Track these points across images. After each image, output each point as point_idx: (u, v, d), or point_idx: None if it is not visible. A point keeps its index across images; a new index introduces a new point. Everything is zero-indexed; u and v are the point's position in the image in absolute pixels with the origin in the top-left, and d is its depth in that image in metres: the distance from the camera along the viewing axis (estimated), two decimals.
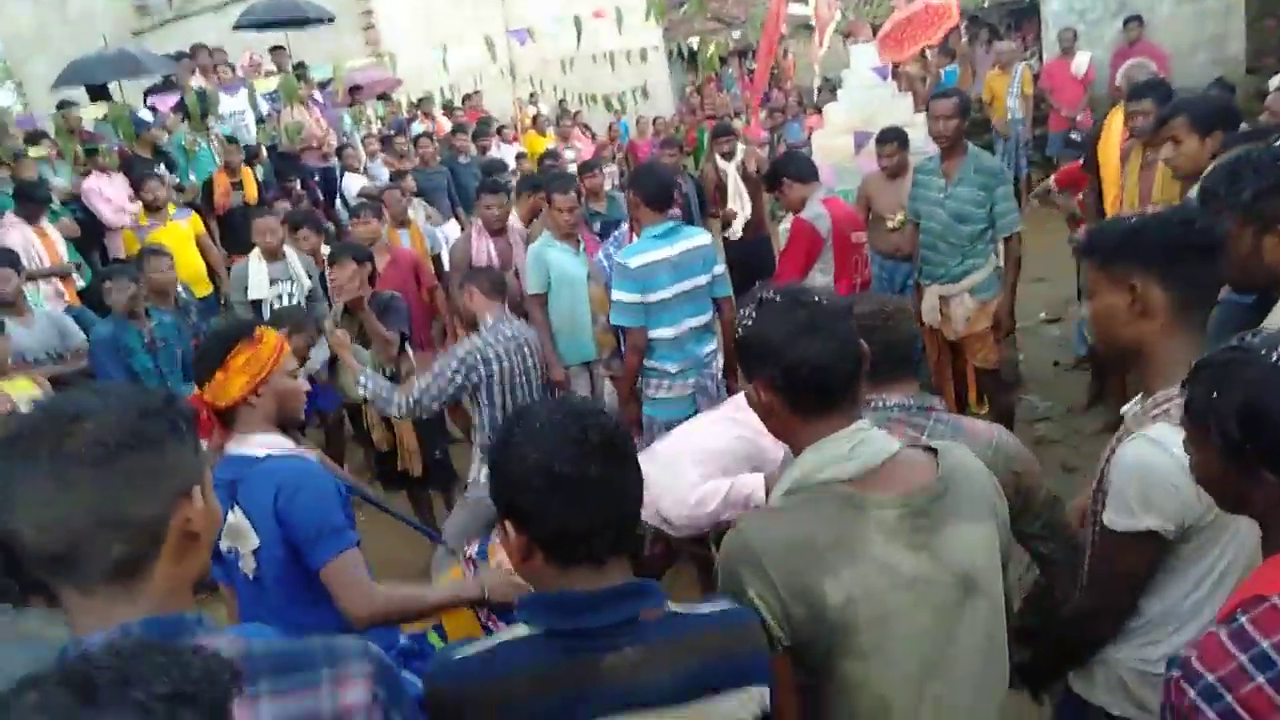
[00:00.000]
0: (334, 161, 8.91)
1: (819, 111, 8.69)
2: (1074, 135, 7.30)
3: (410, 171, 7.72)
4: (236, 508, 1.99)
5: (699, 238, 3.81)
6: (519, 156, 9.49)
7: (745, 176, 6.27)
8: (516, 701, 1.20)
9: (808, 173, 4.46)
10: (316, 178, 8.89)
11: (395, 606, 1.95)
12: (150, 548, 1.05)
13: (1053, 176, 5.46)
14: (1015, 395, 5.35)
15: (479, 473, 3.56)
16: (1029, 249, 6.60)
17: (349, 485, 2.21)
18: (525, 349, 3.55)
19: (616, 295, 3.70)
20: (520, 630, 1.25)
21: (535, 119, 11.36)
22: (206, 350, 2.09)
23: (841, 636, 1.34)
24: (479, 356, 3.40)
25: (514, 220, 5.36)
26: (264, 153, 8.52)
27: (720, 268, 3.90)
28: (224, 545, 2.02)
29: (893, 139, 5.05)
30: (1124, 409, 1.67)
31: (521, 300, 4.69)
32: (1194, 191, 3.32)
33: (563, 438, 1.22)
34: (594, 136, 11.61)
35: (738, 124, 10.09)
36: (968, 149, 4.44)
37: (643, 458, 2.67)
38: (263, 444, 2.06)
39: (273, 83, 8.09)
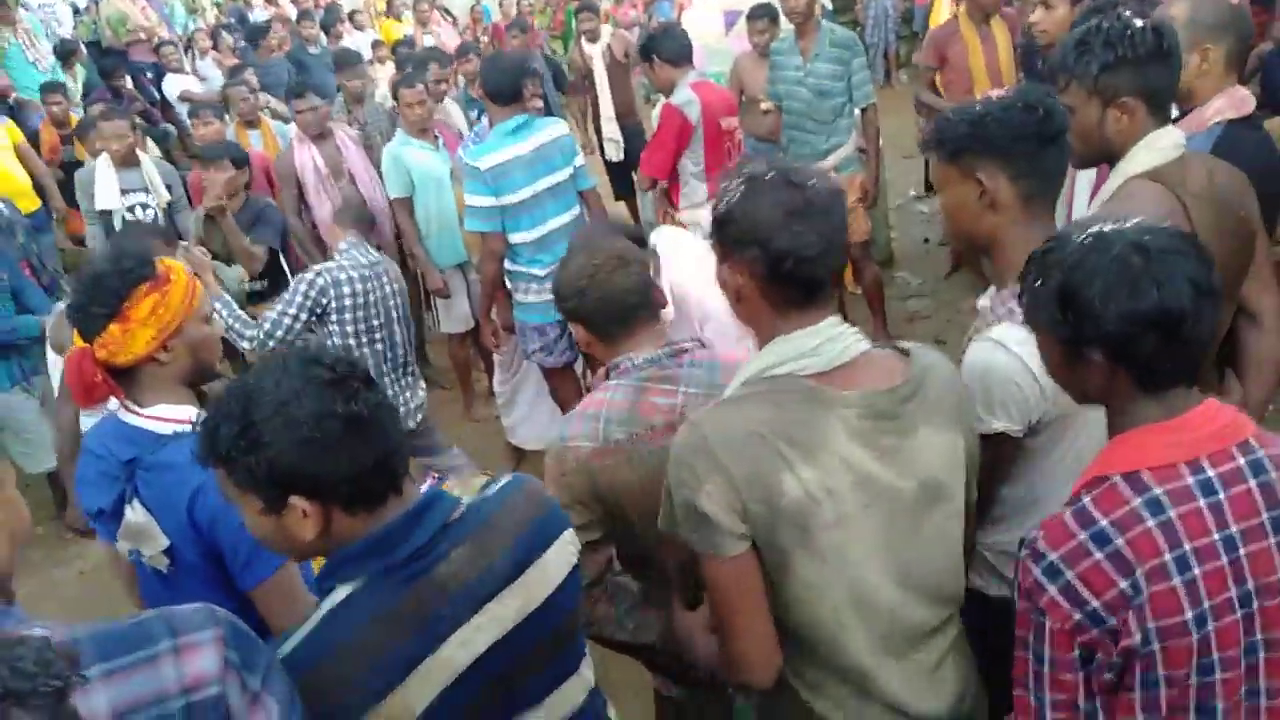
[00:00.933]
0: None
1: None
2: None
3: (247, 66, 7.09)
4: (137, 502, 1.66)
5: (555, 128, 3.63)
6: (375, 45, 8.87)
7: (613, 63, 6.04)
8: (373, 656, 1.14)
9: (678, 55, 4.28)
10: (149, 75, 8.11)
11: None
12: None
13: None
14: (889, 273, 5.47)
15: None
16: (899, 126, 6.67)
17: None
18: (384, 277, 3.33)
19: (469, 199, 3.51)
20: (341, 592, 1.18)
21: (389, 2, 10.59)
22: (93, 294, 1.66)
23: (799, 534, 1.30)
24: (330, 278, 3.18)
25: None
26: (83, 50, 7.68)
27: (582, 158, 3.74)
28: (122, 546, 1.72)
29: (763, 15, 4.95)
30: (978, 301, 1.67)
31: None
32: None
33: (318, 382, 1.13)
34: (455, 21, 10.93)
35: (605, 4, 9.69)
36: (820, 24, 4.49)
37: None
38: (169, 416, 1.69)
39: None
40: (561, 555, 1.31)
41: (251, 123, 5.74)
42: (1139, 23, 1.74)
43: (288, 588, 1.66)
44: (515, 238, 3.54)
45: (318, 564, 1.65)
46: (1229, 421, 1.22)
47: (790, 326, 1.34)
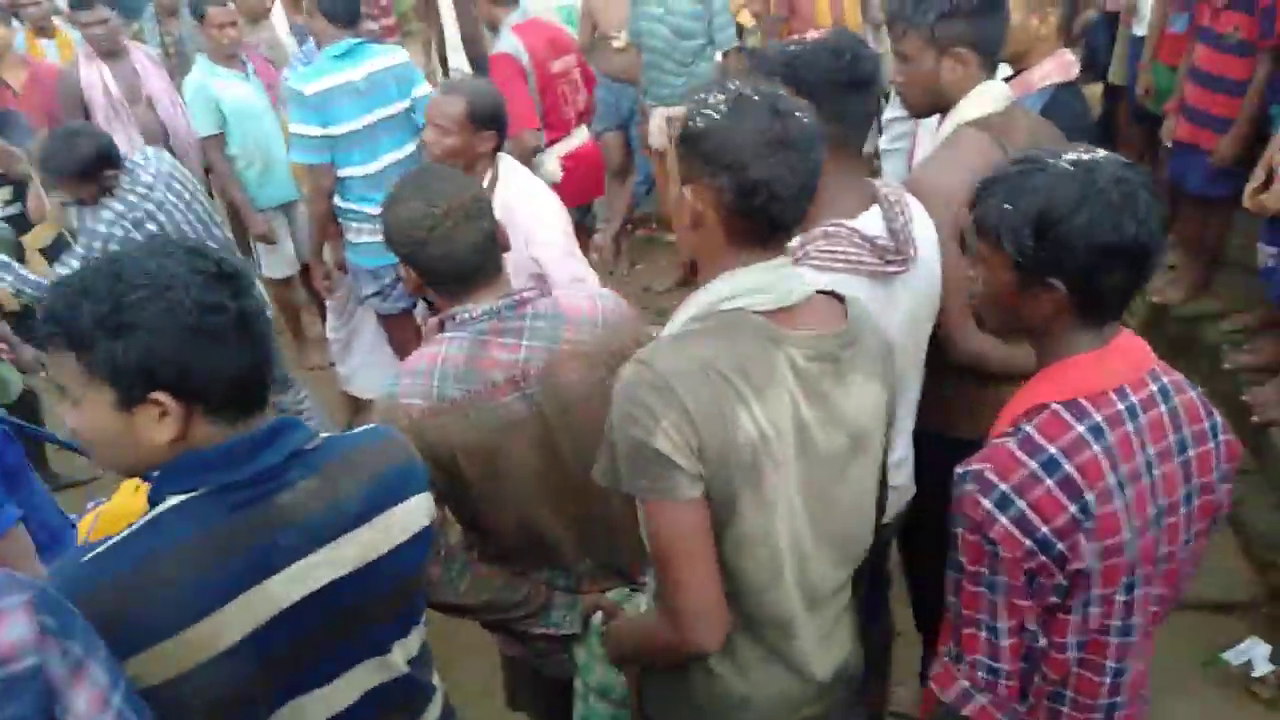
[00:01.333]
0: None
1: None
2: None
3: None
4: None
5: (391, 55, 3.38)
6: None
7: None
8: (188, 575, 1.04)
9: None
10: None
11: None
12: None
13: None
14: None
15: None
16: None
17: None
18: (177, 184, 2.98)
19: (293, 128, 3.25)
20: (171, 501, 1.07)
21: None
22: None
23: (750, 476, 1.24)
24: (127, 224, 2.80)
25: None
26: None
27: (423, 88, 3.48)
28: None
29: None
30: (789, 243, 1.65)
31: (166, 139, 4.04)
32: None
33: (206, 274, 1.05)
34: None
35: None
36: None
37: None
38: None
39: None
40: (414, 513, 1.24)
41: (44, 30, 5.12)
42: None
43: (17, 551, 1.52)
44: (346, 172, 3.29)
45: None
46: (1141, 351, 1.26)
47: (740, 262, 1.27)
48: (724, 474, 1.23)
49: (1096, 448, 1.18)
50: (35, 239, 3.73)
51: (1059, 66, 2.28)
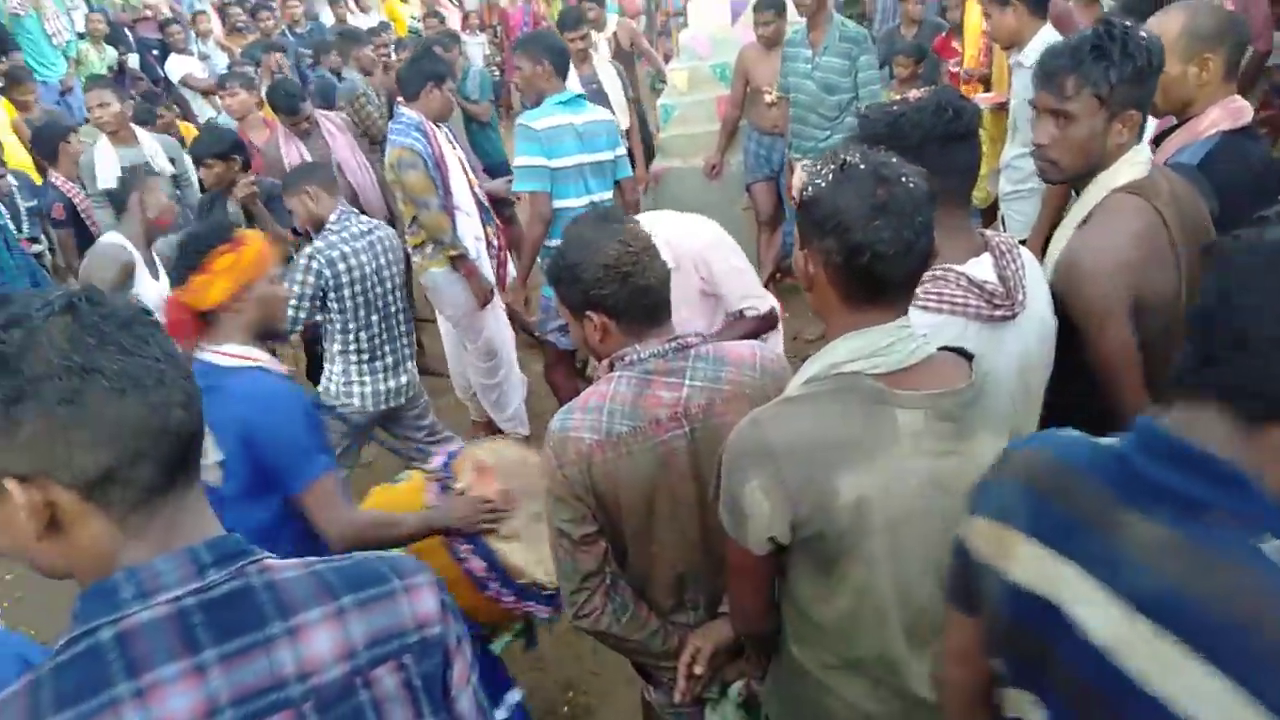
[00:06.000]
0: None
1: None
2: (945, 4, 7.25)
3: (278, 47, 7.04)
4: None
5: (603, 112, 3.74)
6: (382, 26, 8.83)
7: (619, 51, 6.04)
8: None
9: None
10: (155, 52, 8.09)
11: (371, 533, 2.01)
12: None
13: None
14: None
15: (332, 383, 3.22)
16: None
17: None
18: (379, 245, 3.25)
19: (519, 159, 3.55)
20: None
21: None
22: (183, 250, 2.06)
23: (851, 539, 1.31)
24: (324, 258, 3.09)
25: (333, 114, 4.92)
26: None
27: (623, 149, 3.80)
28: None
29: (770, 6, 4.90)
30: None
31: (355, 200, 4.43)
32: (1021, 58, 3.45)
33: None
34: (461, 3, 10.87)
35: None
36: (832, 17, 4.46)
37: None
38: (235, 354, 2.03)
39: None
40: None
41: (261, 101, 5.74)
42: (1144, 34, 1.71)
43: (328, 494, 1.96)
44: (561, 203, 3.59)
45: None
46: None
47: (861, 322, 1.33)
48: (822, 537, 1.33)
49: None
50: None
51: (1227, 113, 2.14)
